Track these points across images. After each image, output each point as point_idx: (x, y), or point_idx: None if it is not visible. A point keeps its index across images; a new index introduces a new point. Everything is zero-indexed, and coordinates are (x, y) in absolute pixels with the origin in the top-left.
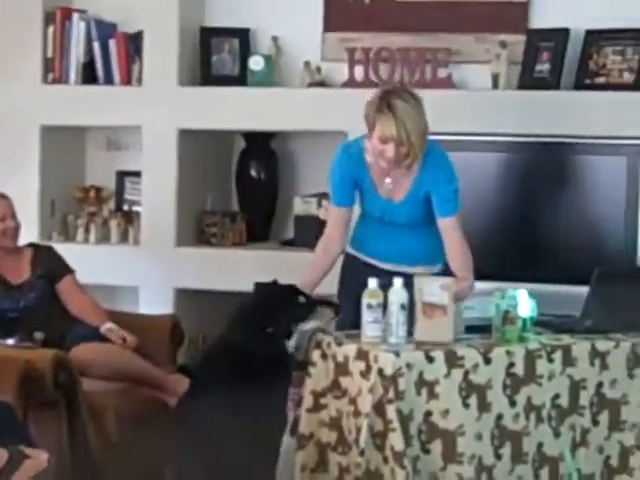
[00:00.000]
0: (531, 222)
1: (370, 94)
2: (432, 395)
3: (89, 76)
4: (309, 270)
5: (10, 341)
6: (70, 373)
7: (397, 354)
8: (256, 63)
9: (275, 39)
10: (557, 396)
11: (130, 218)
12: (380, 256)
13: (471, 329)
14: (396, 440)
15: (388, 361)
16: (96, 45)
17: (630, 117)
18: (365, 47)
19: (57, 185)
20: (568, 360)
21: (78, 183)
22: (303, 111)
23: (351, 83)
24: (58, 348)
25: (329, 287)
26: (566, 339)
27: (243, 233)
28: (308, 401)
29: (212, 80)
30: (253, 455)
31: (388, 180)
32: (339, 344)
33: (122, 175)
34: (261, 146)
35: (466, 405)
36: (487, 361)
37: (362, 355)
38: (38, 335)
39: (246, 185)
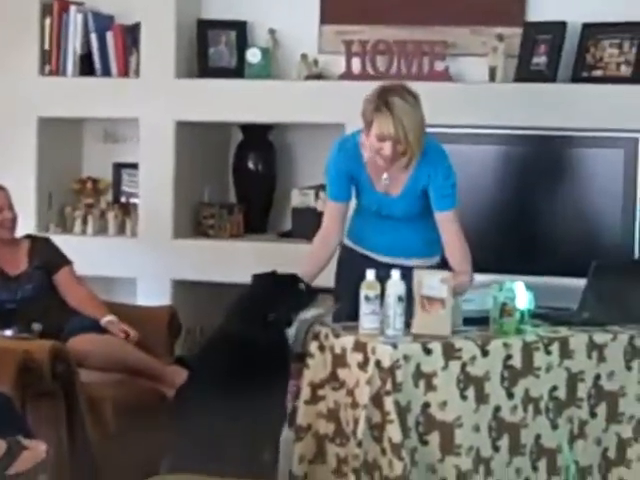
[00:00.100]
0: (528, 214)
1: (367, 87)
2: (430, 387)
3: (86, 68)
4: (307, 262)
5: (8, 332)
6: (68, 364)
7: (395, 346)
8: (253, 55)
9: (272, 32)
10: (555, 388)
11: (127, 210)
12: (377, 249)
13: (469, 321)
14: (394, 432)
15: (386, 353)
16: (93, 37)
17: (627, 110)
18: (362, 40)
19: (54, 177)
20: (565, 352)
21: (75, 175)
22: (300, 103)
23: (348, 75)
24: (56, 339)
25: (326, 280)
26: (563, 331)
27: (240, 225)
28: (306, 393)
29: (209, 72)
30: (252, 446)
31: (385, 176)
32: (337, 336)
33: (119, 167)
34: (258, 138)
35: (464, 397)
36: (485, 353)
37: (360, 347)
38: (36, 326)
39: (243, 177)
